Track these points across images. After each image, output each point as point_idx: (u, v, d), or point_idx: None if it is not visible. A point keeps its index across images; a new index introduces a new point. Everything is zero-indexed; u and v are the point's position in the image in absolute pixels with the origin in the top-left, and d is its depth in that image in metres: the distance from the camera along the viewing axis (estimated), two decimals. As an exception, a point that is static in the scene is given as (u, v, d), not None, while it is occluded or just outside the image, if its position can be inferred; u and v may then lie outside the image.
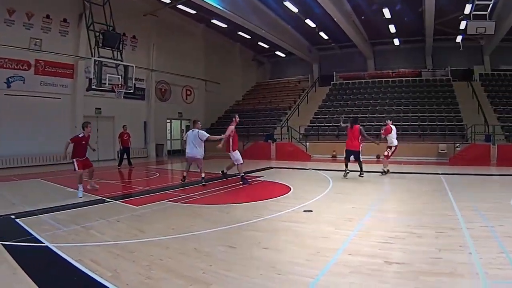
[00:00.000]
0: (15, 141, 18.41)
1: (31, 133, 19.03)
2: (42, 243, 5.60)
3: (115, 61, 18.21)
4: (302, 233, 5.88)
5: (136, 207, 8.22)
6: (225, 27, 28.56)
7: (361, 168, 12.74)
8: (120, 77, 18.01)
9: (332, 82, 32.24)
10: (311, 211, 7.43)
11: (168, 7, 24.75)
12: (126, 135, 17.87)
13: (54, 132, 19.75)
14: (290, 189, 10.35)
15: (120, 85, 17.82)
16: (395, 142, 13.91)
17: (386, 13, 23.39)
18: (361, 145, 12.82)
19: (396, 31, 27.48)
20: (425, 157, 19.32)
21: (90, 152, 10.73)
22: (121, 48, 18.82)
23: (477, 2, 16.14)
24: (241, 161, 12.05)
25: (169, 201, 8.84)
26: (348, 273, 4.14)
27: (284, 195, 9.45)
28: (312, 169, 15.03)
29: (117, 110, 23.13)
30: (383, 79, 30.41)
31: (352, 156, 12.86)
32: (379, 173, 13.63)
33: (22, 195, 10.37)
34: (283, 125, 25.61)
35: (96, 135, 21.62)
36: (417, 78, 29.37)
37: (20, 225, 6.77)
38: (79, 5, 20.34)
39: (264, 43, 32.96)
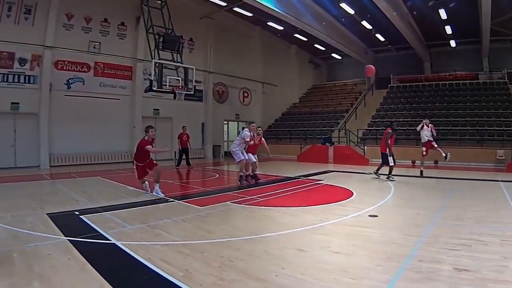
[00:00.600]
0: (74, 140, 19.08)
1: (90, 132, 19.66)
2: (109, 240, 5.58)
3: (175, 63, 18.35)
4: (370, 238, 5.75)
5: (200, 207, 8.15)
6: (282, 29, 28.42)
7: (389, 171, 12.98)
8: (180, 79, 18.13)
9: (389, 85, 31.46)
10: (377, 216, 7.23)
11: (224, 10, 24.86)
12: (185, 136, 18.01)
13: (112, 132, 20.36)
14: (353, 193, 10.10)
15: (180, 87, 17.96)
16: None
17: (442, 13, 22.59)
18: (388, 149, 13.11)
19: (452, 32, 26.44)
20: (483, 163, 18.49)
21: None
22: (180, 51, 18.98)
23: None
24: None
25: (232, 202, 8.74)
26: (420, 279, 4.05)
27: (348, 199, 9.22)
28: (372, 173, 14.52)
29: (175, 111, 23.47)
30: (440, 82, 29.34)
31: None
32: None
33: (84, 192, 10.50)
34: (341, 128, 25.16)
35: (154, 135, 21.75)
36: (474, 81, 28.13)
37: (85, 221, 6.79)
38: (136, 9, 21.03)
39: (320, 45, 32.63)
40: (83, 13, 19.77)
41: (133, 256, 4.83)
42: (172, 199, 9.13)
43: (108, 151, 20.01)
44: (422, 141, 14.49)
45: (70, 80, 19.39)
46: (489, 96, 25.04)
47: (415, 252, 4.92)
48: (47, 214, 7.30)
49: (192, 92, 18.84)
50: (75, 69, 19.61)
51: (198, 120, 25.70)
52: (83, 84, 19.87)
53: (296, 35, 30.13)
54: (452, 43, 29.24)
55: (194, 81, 19.24)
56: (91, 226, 6.37)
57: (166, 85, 17.62)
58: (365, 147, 21.98)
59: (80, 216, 7.12)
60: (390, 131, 13.15)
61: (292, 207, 8.30)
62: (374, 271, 4.25)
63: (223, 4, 23.69)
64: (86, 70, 20.02)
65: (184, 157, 18.06)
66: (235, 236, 5.88)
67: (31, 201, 8.84)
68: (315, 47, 33.57)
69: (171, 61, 18.40)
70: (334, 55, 35.85)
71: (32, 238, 5.58)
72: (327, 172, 15.98)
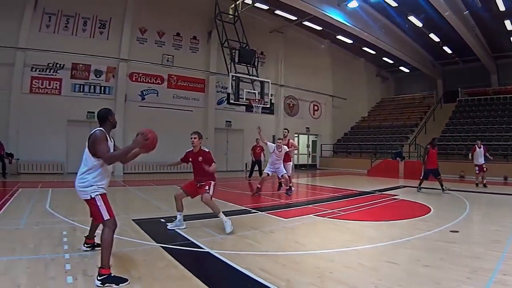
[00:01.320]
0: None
1: (163, 142, 19.81)
2: (203, 248, 5.61)
3: (251, 77, 18.60)
4: (455, 252, 5.70)
5: (285, 219, 8.18)
6: (350, 43, 28.33)
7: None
8: (256, 92, 18.38)
9: (457, 99, 30.50)
10: (458, 231, 7.13)
11: (294, 24, 25.14)
12: (259, 148, 17.96)
13: (184, 142, 20.47)
14: (430, 209, 9.89)
15: (257, 100, 18.16)
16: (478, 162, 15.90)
17: (508, 25, 22.03)
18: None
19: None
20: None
21: (220, 161, 9.41)
22: (256, 64, 19.21)
23: None
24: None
25: (315, 215, 8.68)
26: (507, 291, 4.13)
27: (427, 215, 9.11)
28: (447, 189, 14.04)
29: (246, 124, 23.66)
30: (508, 95, 28.01)
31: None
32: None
33: (164, 200, 10.70)
34: (411, 142, 24.59)
35: (226, 146, 22.84)
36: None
37: (173, 229, 6.88)
38: (208, 23, 21.83)
39: (389, 58, 32.11)
40: (156, 27, 20.76)
41: (230, 265, 4.84)
42: (254, 210, 9.21)
43: (180, 161, 20.47)
44: (475, 162, 15.88)
45: (144, 92, 20.30)
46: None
47: (499, 267, 4.92)
48: (133, 220, 7.50)
49: (268, 105, 18.99)
50: (149, 81, 20.53)
51: (269, 133, 25.51)
52: (157, 95, 20.71)
53: (365, 48, 29.85)
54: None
55: (270, 95, 19.40)
56: (181, 234, 6.49)
57: (242, 98, 17.95)
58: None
59: (167, 224, 7.20)
60: (428, 146, 13.99)
61: (375, 221, 8.23)
62: (464, 284, 4.28)
63: (293, 18, 23.96)
64: (160, 82, 20.87)
65: (256, 168, 18.01)
66: (326, 248, 5.87)
67: (114, 207, 8.93)
68: (383, 60, 33.07)
69: (246, 74, 18.65)
70: (402, 68, 35.16)
71: (123, 244, 5.70)
72: (400, 188, 15.64)
